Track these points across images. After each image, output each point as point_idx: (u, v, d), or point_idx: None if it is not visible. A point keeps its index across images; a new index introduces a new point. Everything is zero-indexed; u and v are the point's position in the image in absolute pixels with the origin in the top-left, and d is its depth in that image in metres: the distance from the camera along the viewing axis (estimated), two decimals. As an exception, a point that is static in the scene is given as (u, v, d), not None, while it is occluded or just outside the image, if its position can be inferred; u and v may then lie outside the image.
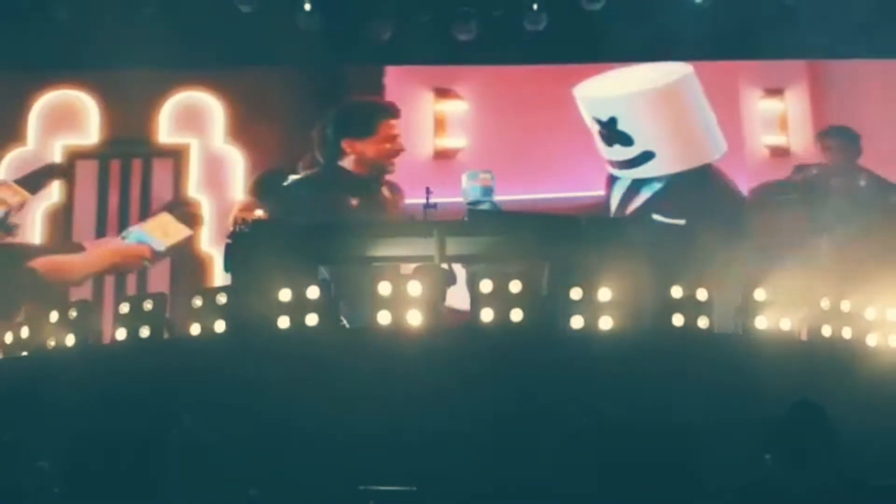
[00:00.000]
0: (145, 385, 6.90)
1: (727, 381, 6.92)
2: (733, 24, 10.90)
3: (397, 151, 9.66)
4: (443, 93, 11.78)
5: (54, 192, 11.63)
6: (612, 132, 11.49)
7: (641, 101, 11.57)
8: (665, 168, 11.44)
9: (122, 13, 11.08)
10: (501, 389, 6.85)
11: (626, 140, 11.50)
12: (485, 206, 8.07)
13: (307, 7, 11.20)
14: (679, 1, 11.09)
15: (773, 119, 11.78)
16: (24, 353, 7.80)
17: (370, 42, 11.33)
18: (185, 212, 11.07)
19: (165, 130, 11.73)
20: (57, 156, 11.68)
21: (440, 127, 11.48)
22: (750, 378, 6.93)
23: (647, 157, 11.46)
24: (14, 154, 11.57)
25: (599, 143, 11.49)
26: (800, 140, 11.73)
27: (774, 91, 11.83)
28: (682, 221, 11.03)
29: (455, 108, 11.81)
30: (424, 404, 6.79)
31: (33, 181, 11.35)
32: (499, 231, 7.94)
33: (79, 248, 10.94)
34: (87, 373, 7.29)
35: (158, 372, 7.04)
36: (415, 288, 7.21)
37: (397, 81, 11.66)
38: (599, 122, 11.50)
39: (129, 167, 11.70)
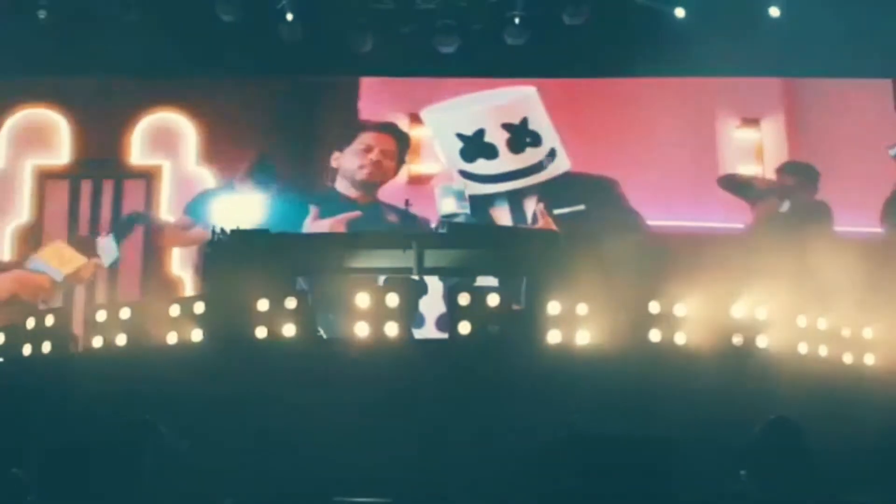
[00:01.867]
0: (121, 394, 6.86)
1: (704, 397, 6.93)
2: (714, 40, 10.91)
3: (373, 163, 9.70)
4: (417, 118, 11.76)
5: (24, 211, 11.54)
6: (522, 135, 11.59)
7: (538, 100, 11.72)
8: (562, 166, 11.60)
9: (104, 20, 11.03)
10: (478, 402, 6.85)
11: (536, 139, 11.62)
12: (460, 219, 8.08)
13: (289, 17, 11.14)
14: (660, 16, 11.11)
15: (749, 148, 11.82)
16: (0, 360, 7.77)
17: (351, 53, 11.32)
18: (80, 239, 11.00)
19: (137, 151, 11.68)
20: (27, 175, 11.60)
21: (414, 152, 11.46)
22: (726, 395, 6.94)
23: (552, 155, 11.62)
24: None
25: (486, 160, 11.57)
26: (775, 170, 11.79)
27: (751, 121, 11.87)
28: (581, 207, 11.18)
29: (429, 133, 11.78)
30: (400, 416, 6.78)
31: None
32: (477, 244, 7.95)
33: None
34: (62, 380, 7.26)
35: (134, 381, 7.01)
36: (392, 300, 7.22)
37: (371, 107, 11.67)
38: (509, 127, 11.57)
39: (99, 188, 11.61)
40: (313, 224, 9.06)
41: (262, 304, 7.23)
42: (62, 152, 11.67)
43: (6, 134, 11.65)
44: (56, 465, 5.75)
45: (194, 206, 10.98)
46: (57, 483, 5.68)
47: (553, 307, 7.26)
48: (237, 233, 7.92)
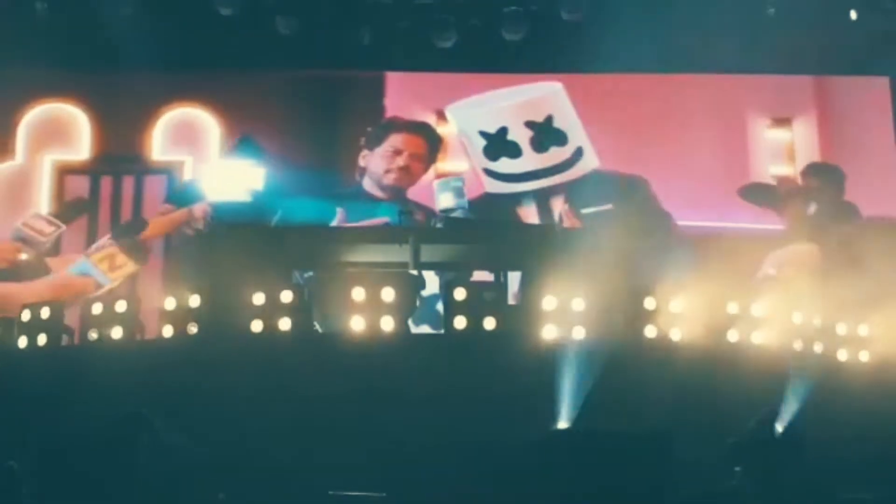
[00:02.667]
0: (116, 387, 6.86)
1: (699, 393, 6.93)
2: (715, 36, 10.86)
3: (401, 168, 9.66)
4: (444, 116, 11.45)
5: (42, 207, 11.14)
6: (546, 133, 11.29)
7: (565, 96, 11.40)
8: (590, 164, 11.28)
9: (99, 13, 10.93)
10: (472, 397, 6.85)
11: (561, 138, 11.31)
12: (457, 214, 8.07)
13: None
14: (660, 12, 11.07)
15: (781, 149, 11.48)
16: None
17: (349, 47, 11.28)
18: (135, 244, 10.48)
19: (159, 147, 11.36)
20: (46, 171, 11.31)
21: (441, 151, 10.95)
22: (722, 390, 6.95)
23: (579, 154, 11.31)
24: (1, 168, 11.23)
25: (511, 158, 11.25)
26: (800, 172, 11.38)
27: (782, 120, 11.55)
28: (609, 206, 10.80)
29: (455, 130, 11.43)
30: (396, 410, 6.79)
31: (64, 214, 10.92)
32: (473, 239, 7.95)
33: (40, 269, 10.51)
34: (57, 373, 7.25)
35: (129, 374, 7.00)
36: (388, 294, 7.22)
37: (398, 103, 11.35)
38: (532, 125, 11.28)
39: (120, 184, 11.30)
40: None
41: (258, 298, 7.23)
42: (82, 148, 11.37)
43: (24, 129, 11.35)
44: (51, 458, 5.75)
45: (183, 194, 10.79)
46: (52, 476, 5.69)
47: (549, 302, 7.26)
48: (233, 226, 7.90)
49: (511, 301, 7.99)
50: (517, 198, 11.27)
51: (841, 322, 7.83)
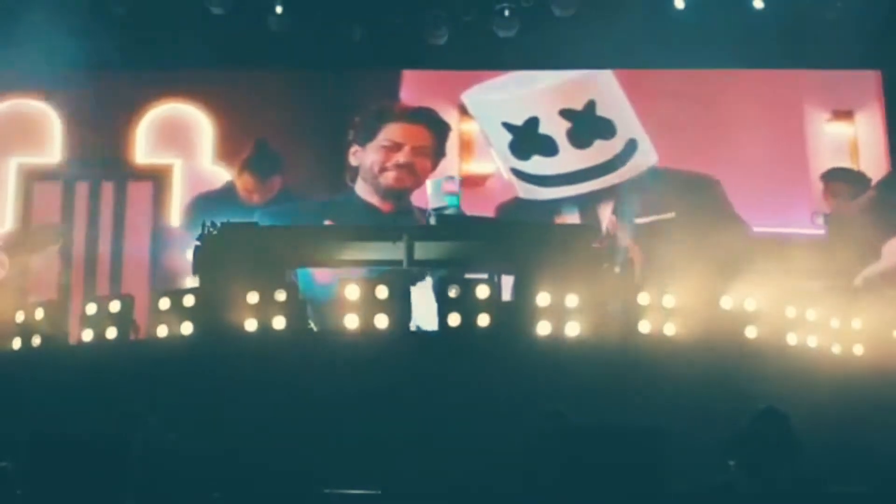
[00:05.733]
0: (110, 387, 6.87)
1: (693, 388, 6.94)
2: (709, 31, 10.79)
3: (401, 166, 8.62)
4: (468, 110, 10.28)
5: (7, 217, 10.37)
6: (587, 123, 9.96)
7: (611, 77, 10.11)
8: (647, 160, 9.94)
9: (92, 13, 10.71)
10: (467, 394, 6.85)
11: (607, 129, 9.99)
12: (450, 212, 8.06)
13: (278, 10, 10.87)
14: (653, 8, 11.07)
15: (843, 144, 10.64)
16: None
17: (341, 45, 11.24)
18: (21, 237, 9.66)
19: (143, 149, 10.48)
20: (11, 175, 10.34)
21: (466, 150, 10.02)
22: (715, 385, 6.96)
23: (632, 147, 9.91)
24: None
25: (537, 157, 9.93)
26: (873, 168, 10.65)
27: (843, 113, 10.71)
28: (671, 215, 9.56)
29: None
30: (390, 408, 6.79)
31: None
32: (466, 236, 7.94)
33: None
34: (52, 373, 7.25)
35: (124, 373, 7.01)
36: (382, 292, 7.22)
37: (415, 96, 10.25)
38: (569, 114, 10.00)
39: (98, 191, 10.39)
40: None
41: (252, 297, 7.23)
42: (53, 150, 10.47)
43: (-13, 128, 10.35)
44: (45, 457, 5.75)
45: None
46: (46, 476, 5.68)
47: (542, 299, 7.26)
48: (227, 226, 7.90)
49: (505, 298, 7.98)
50: (556, 205, 9.94)
51: (834, 316, 7.83)
